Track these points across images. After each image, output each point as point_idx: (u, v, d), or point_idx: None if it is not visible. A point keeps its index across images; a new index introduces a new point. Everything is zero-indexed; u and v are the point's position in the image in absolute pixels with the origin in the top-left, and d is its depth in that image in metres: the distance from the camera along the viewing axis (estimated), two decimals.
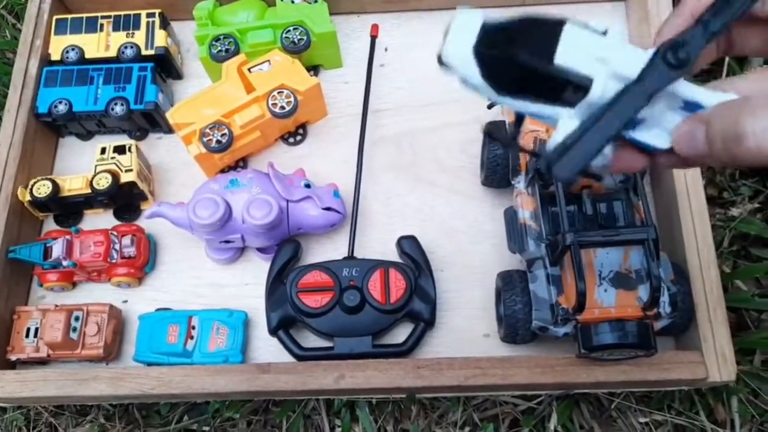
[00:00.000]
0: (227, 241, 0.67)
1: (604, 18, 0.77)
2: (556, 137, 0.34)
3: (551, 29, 0.34)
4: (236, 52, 0.73)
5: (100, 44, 0.77)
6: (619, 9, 0.79)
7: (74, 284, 0.71)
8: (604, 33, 0.34)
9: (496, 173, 0.67)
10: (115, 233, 0.69)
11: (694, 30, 0.34)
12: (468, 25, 0.35)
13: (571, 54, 0.33)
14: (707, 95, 0.35)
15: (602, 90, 0.33)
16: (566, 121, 0.34)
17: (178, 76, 0.80)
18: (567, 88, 0.34)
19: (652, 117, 0.35)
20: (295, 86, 0.70)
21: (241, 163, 0.74)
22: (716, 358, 0.58)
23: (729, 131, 0.32)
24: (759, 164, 0.32)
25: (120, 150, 0.71)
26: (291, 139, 0.76)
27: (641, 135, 0.35)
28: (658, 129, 0.35)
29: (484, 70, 0.34)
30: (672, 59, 0.33)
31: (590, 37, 0.34)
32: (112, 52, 0.76)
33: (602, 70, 0.33)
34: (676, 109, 0.35)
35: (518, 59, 0.34)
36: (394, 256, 0.68)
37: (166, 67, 0.78)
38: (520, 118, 0.41)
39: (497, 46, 0.34)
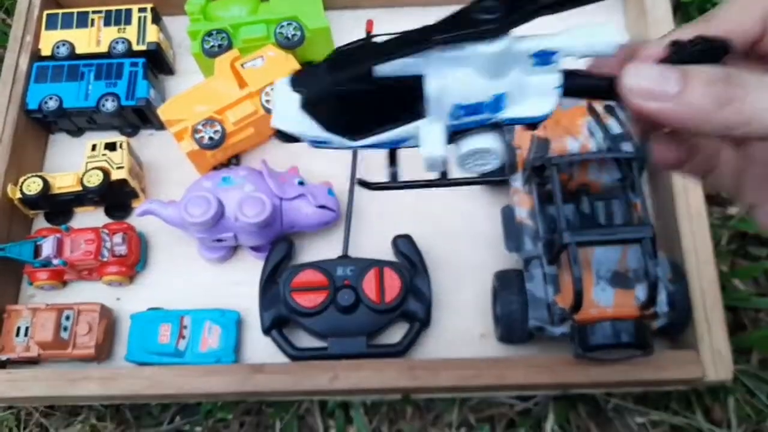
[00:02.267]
0: (220, 240, 0.66)
1: (601, 13, 0.76)
2: (425, 149, 0.31)
3: (360, 48, 0.31)
4: (229, 48, 0.72)
5: (91, 39, 0.76)
6: (616, 4, 0.78)
7: (65, 283, 0.70)
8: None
9: (493, 171, 0.67)
10: (106, 231, 0.68)
11: None
12: (286, 88, 0.32)
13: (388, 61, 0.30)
14: (565, 39, 0.30)
15: (439, 82, 0.29)
16: (427, 128, 0.31)
17: (170, 71, 0.79)
18: (415, 102, 0.31)
19: (513, 90, 0.31)
20: None
21: (234, 161, 0.74)
22: (713, 357, 0.58)
23: (718, 75, 0.27)
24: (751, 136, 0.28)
25: (111, 147, 0.70)
26: None
27: (516, 112, 0.31)
28: (532, 99, 0.31)
29: (321, 119, 0.31)
30: (476, 13, 0.29)
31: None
32: (103, 48, 0.75)
33: (427, 63, 0.30)
34: (532, 69, 0.30)
35: (342, 89, 0.30)
36: (389, 255, 0.67)
37: (157, 62, 0.77)
38: (392, 158, 0.37)
39: (316, 90, 0.31)
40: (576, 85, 0.31)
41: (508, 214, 0.63)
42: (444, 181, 0.36)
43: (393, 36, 0.30)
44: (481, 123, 0.32)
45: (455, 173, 0.35)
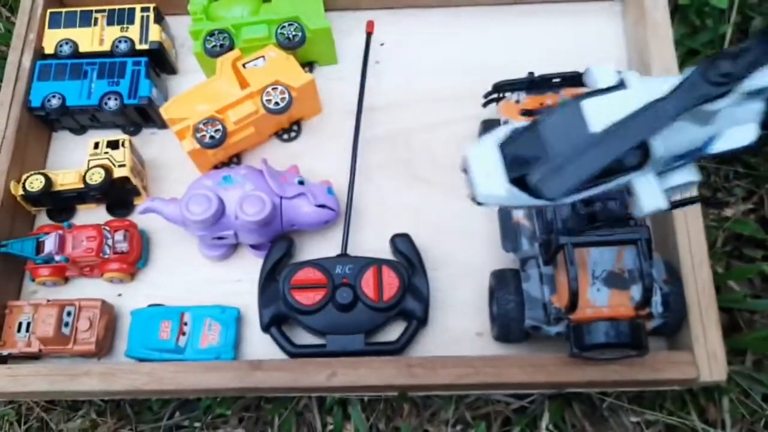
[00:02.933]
0: (220, 238, 0.67)
1: (600, 18, 0.77)
2: (644, 200, 0.32)
3: (570, 115, 0.32)
4: (231, 48, 0.73)
5: (94, 38, 0.76)
6: (615, 9, 0.79)
7: (66, 279, 0.71)
8: (621, 84, 0.32)
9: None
10: (107, 228, 0.69)
11: (745, 51, 0.31)
12: (486, 156, 0.32)
13: (603, 123, 0.30)
14: None
15: (662, 142, 0.30)
16: (642, 181, 0.32)
17: (173, 71, 0.80)
18: (625, 156, 0.32)
19: (722, 125, 0.32)
20: (289, 82, 0.70)
21: (234, 160, 0.74)
22: (708, 358, 0.58)
23: None
24: None
25: (113, 145, 0.71)
26: (285, 136, 0.76)
27: (722, 145, 0.33)
28: (738, 128, 0.33)
29: (529, 191, 0.31)
30: (712, 77, 0.31)
31: (613, 98, 0.32)
32: (106, 47, 0.76)
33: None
34: (740, 103, 0.32)
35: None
36: (387, 254, 0.68)
37: (160, 61, 0.77)
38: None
39: (529, 162, 0.31)
40: None
41: (505, 215, 0.63)
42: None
43: (619, 118, 0.30)
44: (689, 161, 0.33)
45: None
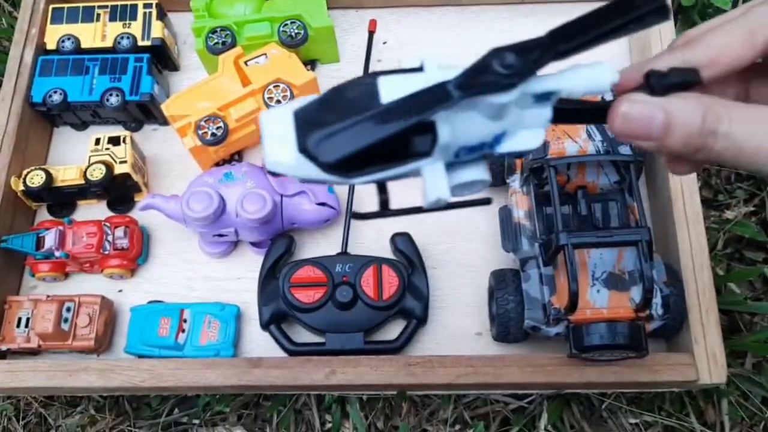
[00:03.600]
0: (221, 235, 0.67)
1: None
2: (429, 188, 0.31)
3: (365, 87, 0.31)
4: (233, 45, 0.73)
5: (96, 34, 0.76)
6: None
7: (66, 275, 0.71)
8: (421, 68, 0.31)
9: (492, 171, 0.67)
10: (108, 224, 0.69)
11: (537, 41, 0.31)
12: (278, 121, 0.31)
13: (392, 99, 0.30)
14: (566, 81, 0.31)
15: (449, 128, 0.30)
16: (430, 169, 0.31)
17: (175, 67, 0.80)
18: (413, 139, 0.31)
19: (510, 127, 0.32)
20: (291, 80, 0.70)
21: (236, 157, 0.74)
22: (707, 360, 0.58)
23: (694, 128, 0.30)
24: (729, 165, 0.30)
25: (114, 141, 0.70)
26: None
27: (510, 146, 0.32)
28: (524, 132, 0.32)
29: (319, 161, 0.30)
30: (497, 66, 0.30)
31: (408, 78, 0.31)
32: (108, 43, 0.76)
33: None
34: (529, 106, 0.32)
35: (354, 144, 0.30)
36: (387, 252, 0.68)
37: (162, 58, 0.77)
38: (382, 186, 0.36)
39: (318, 130, 0.30)
40: (571, 112, 0.33)
41: (505, 215, 0.63)
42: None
43: (406, 94, 0.30)
44: (477, 158, 0.32)
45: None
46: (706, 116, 0.30)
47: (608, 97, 0.35)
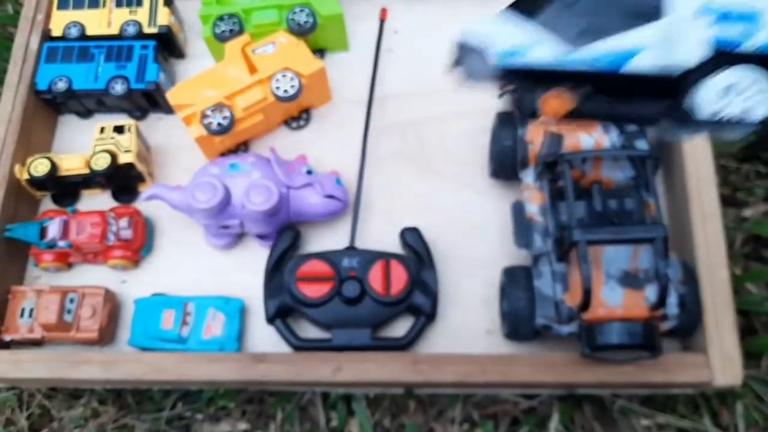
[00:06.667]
0: (226, 227, 0.66)
1: None
2: (677, 54, 0.28)
3: None
4: (240, 33, 0.71)
5: (102, 21, 0.75)
6: None
7: (70, 265, 0.70)
8: None
9: (505, 165, 0.66)
10: (112, 215, 0.68)
11: None
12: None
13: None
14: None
15: None
16: (676, 27, 0.27)
17: (181, 55, 0.79)
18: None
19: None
20: (299, 69, 0.68)
21: (242, 147, 0.73)
22: (723, 361, 0.57)
23: None
24: None
25: (119, 130, 0.69)
26: (294, 124, 0.74)
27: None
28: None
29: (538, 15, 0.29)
30: None
31: None
32: (114, 29, 0.75)
33: None
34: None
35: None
36: (396, 247, 0.67)
37: (168, 45, 0.76)
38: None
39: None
40: None
41: (518, 210, 0.62)
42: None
43: None
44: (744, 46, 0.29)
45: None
46: None
47: None
